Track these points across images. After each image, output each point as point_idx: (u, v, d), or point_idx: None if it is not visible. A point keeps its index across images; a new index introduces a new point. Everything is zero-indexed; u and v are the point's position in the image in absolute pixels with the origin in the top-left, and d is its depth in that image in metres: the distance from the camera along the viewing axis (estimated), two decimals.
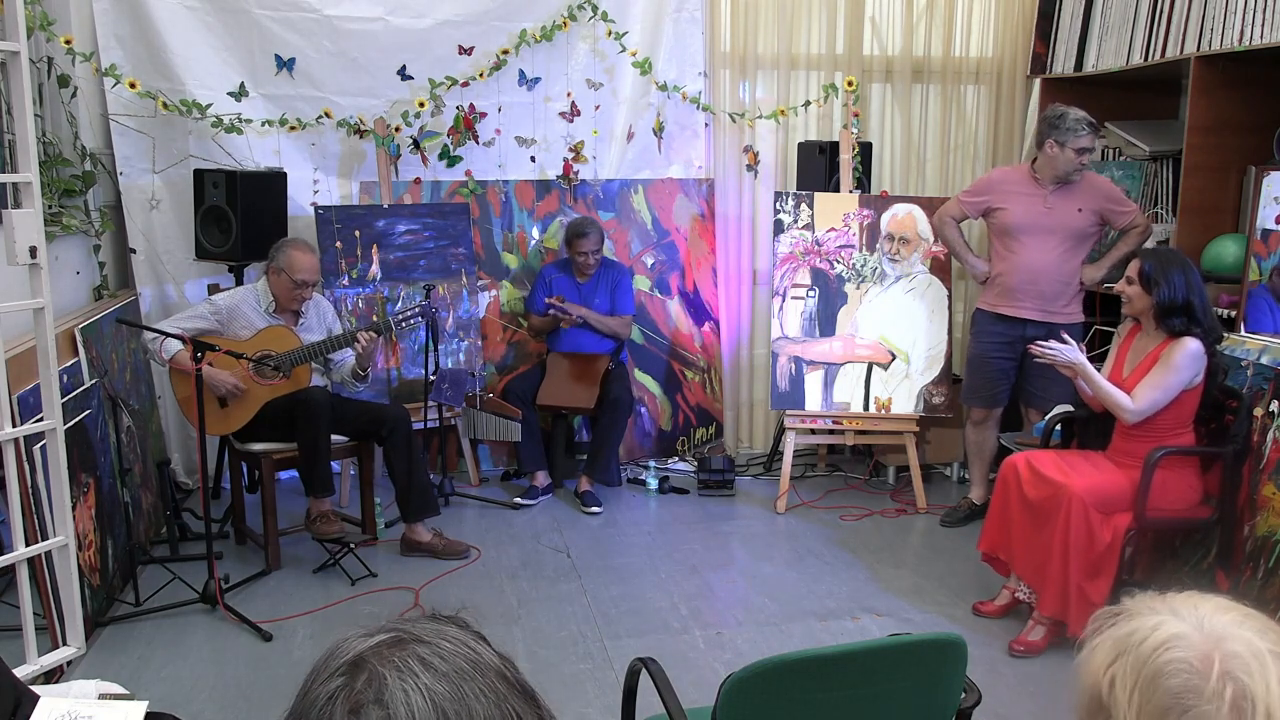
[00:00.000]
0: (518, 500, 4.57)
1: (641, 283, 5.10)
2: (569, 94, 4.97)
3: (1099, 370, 3.37)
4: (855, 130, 4.95)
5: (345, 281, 4.56)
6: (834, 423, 4.67)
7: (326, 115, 4.63)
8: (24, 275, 2.85)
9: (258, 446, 3.87)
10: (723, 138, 5.20)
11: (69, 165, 4.14)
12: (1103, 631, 0.99)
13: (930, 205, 4.68)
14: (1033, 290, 4.11)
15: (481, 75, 4.79)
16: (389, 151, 4.67)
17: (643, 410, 5.12)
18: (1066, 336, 3.43)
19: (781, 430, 4.92)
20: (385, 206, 4.65)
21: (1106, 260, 4.13)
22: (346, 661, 0.82)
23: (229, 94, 4.52)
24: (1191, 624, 0.94)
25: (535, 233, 5.02)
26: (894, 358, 4.65)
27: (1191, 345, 3.14)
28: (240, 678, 3.06)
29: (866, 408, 4.66)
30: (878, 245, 4.69)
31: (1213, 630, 0.93)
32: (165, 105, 4.37)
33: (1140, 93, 4.72)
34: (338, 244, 4.53)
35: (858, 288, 4.69)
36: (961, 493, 4.65)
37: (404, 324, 3.98)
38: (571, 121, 5.01)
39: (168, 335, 3.60)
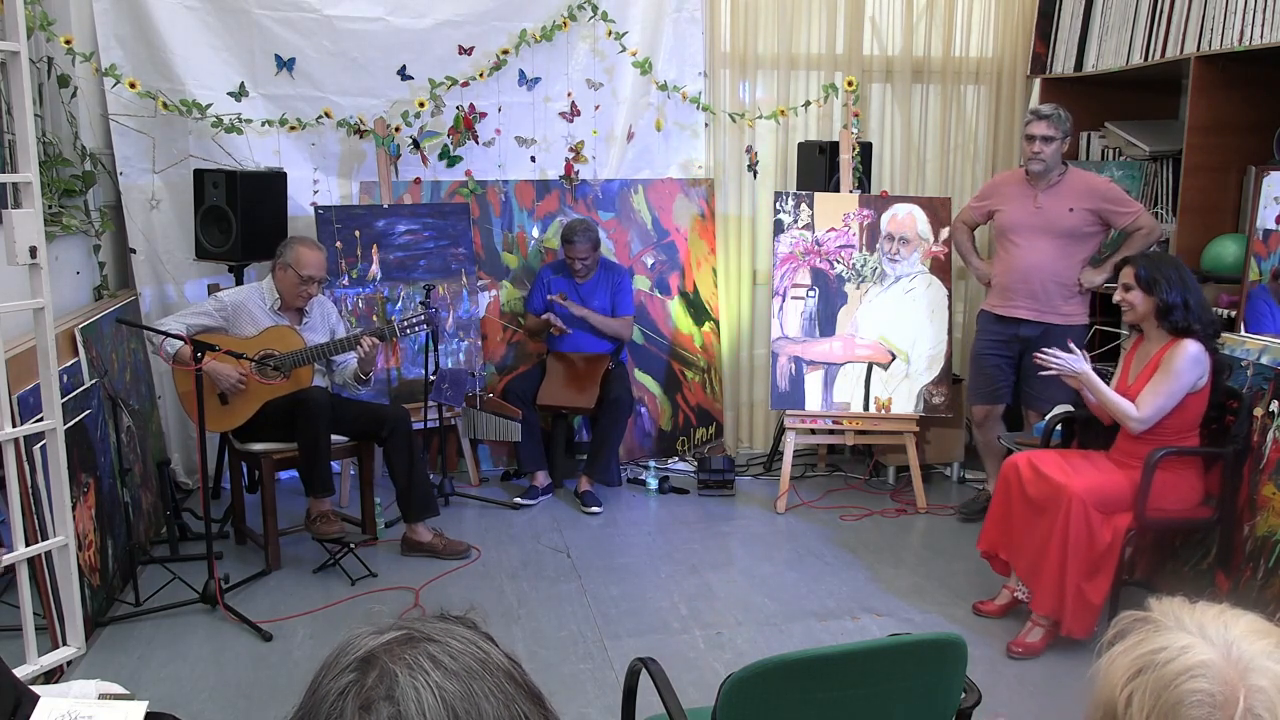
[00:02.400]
0: (518, 500, 4.57)
1: (641, 283, 5.10)
2: (569, 94, 4.97)
3: (1109, 383, 3.36)
4: (855, 130, 4.95)
5: (345, 281, 4.56)
6: (834, 423, 4.67)
7: (326, 115, 4.63)
8: (24, 275, 2.85)
9: (258, 446, 3.87)
10: (723, 138, 5.20)
11: (69, 165, 4.14)
12: (1126, 638, 0.96)
13: (930, 205, 4.68)
14: (1024, 289, 4.12)
15: (481, 75, 4.79)
16: (389, 151, 4.67)
17: (643, 410, 5.12)
18: (1072, 345, 3.39)
19: (781, 430, 4.92)
20: (385, 206, 4.65)
21: (1110, 263, 4.12)
22: (357, 658, 0.83)
23: (229, 94, 4.52)
24: (1220, 650, 0.91)
25: (535, 233, 5.02)
26: (894, 358, 4.65)
27: (1192, 349, 3.13)
28: (240, 678, 3.06)
29: (866, 408, 4.66)
30: (878, 245, 4.69)
31: (1240, 659, 0.90)
32: (165, 105, 4.37)
33: (1140, 93, 4.72)
34: (338, 244, 4.53)
35: (858, 288, 4.69)
36: (961, 492, 4.67)
37: (408, 330, 3.98)
38: (571, 121, 5.01)
39: (169, 335, 3.60)
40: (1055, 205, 4.04)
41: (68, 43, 4.10)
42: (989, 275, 4.31)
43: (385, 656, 0.82)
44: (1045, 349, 3.39)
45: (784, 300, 4.68)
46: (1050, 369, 3.34)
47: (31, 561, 2.85)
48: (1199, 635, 0.92)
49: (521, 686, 0.85)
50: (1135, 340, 3.41)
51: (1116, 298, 3.33)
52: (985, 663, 3.12)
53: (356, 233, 4.57)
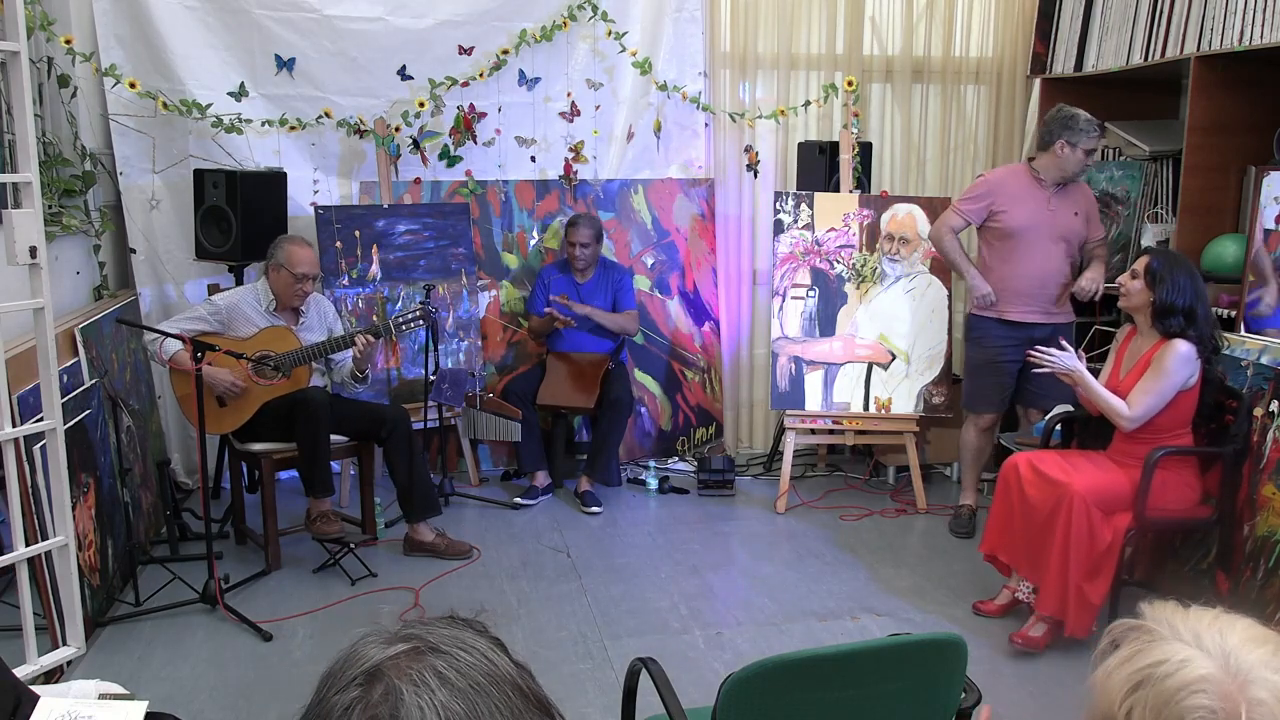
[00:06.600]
0: (518, 500, 4.57)
1: (641, 283, 5.10)
2: (569, 94, 4.97)
3: (1099, 374, 3.36)
4: (855, 130, 4.95)
5: (345, 281, 4.56)
6: (834, 423, 4.67)
7: (326, 115, 4.63)
8: (24, 275, 2.85)
9: (258, 446, 3.87)
10: (723, 138, 5.20)
11: (69, 165, 4.14)
12: (1121, 648, 0.95)
13: (930, 205, 4.68)
14: (1042, 294, 4.09)
15: (481, 75, 4.79)
16: (389, 151, 4.67)
17: (643, 410, 5.12)
18: (1065, 344, 3.40)
19: (781, 430, 4.92)
20: (385, 206, 4.65)
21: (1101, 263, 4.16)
22: (363, 671, 0.83)
23: (229, 94, 4.52)
24: (1218, 661, 0.90)
25: (535, 233, 5.02)
26: (894, 358, 4.65)
27: (1182, 348, 3.13)
28: (240, 678, 3.06)
29: (866, 408, 4.66)
30: (877, 245, 4.69)
31: (1239, 671, 0.89)
32: (165, 105, 4.37)
33: (1140, 93, 4.72)
34: (338, 244, 4.53)
35: (857, 288, 4.69)
36: (960, 493, 4.64)
37: (404, 327, 3.98)
38: (571, 121, 5.01)
39: (167, 335, 3.60)
40: (1065, 208, 4.06)
41: (68, 43, 4.10)
42: (993, 297, 4.13)
43: (391, 672, 0.82)
44: (1038, 346, 3.39)
45: (784, 300, 4.68)
46: (1046, 366, 3.34)
47: (31, 561, 2.84)
48: (1196, 646, 0.92)
49: (528, 697, 0.85)
50: (1128, 332, 3.42)
51: (1119, 280, 3.34)
52: (985, 663, 3.12)
53: (356, 233, 4.57)
